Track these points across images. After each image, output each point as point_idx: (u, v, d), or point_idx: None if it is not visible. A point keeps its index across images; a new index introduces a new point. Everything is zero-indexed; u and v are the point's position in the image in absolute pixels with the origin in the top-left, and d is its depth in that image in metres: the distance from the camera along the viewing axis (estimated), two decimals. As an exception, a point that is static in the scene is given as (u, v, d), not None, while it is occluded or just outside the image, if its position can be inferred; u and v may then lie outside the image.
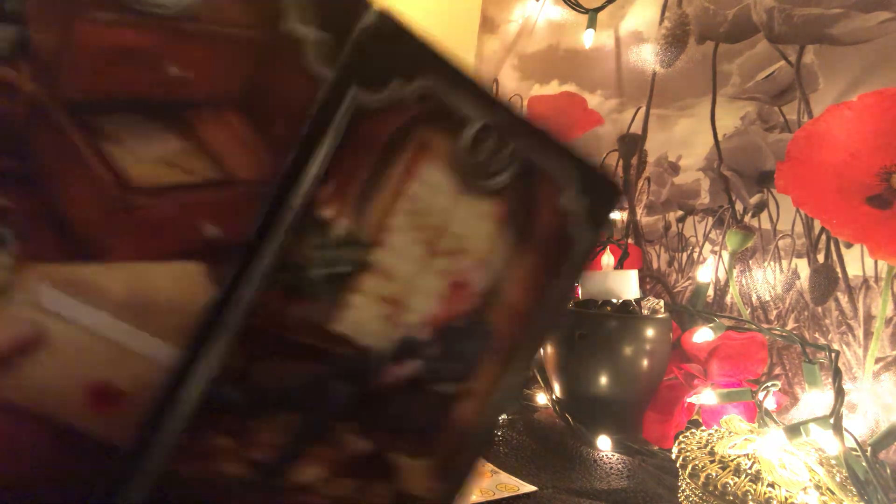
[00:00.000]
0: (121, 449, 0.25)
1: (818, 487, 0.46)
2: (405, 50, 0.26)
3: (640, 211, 0.95)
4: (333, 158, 0.25)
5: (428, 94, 0.27)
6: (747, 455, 0.49)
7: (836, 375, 0.48)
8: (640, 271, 0.85)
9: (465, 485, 0.31)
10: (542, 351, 0.30)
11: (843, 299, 0.66)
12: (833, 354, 0.51)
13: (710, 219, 0.85)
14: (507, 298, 0.30)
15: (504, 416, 0.68)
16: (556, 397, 0.70)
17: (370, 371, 0.28)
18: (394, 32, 0.26)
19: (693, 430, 0.55)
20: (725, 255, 0.74)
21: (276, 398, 0.27)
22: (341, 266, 0.27)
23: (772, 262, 0.81)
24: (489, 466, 0.57)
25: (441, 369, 0.30)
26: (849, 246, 0.65)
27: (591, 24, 1.06)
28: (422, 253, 0.28)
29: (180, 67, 0.24)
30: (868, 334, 0.62)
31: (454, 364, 0.30)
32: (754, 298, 0.80)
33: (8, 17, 0.22)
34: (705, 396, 0.61)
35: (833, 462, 0.48)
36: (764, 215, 0.81)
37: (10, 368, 0.24)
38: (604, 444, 0.63)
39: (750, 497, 0.45)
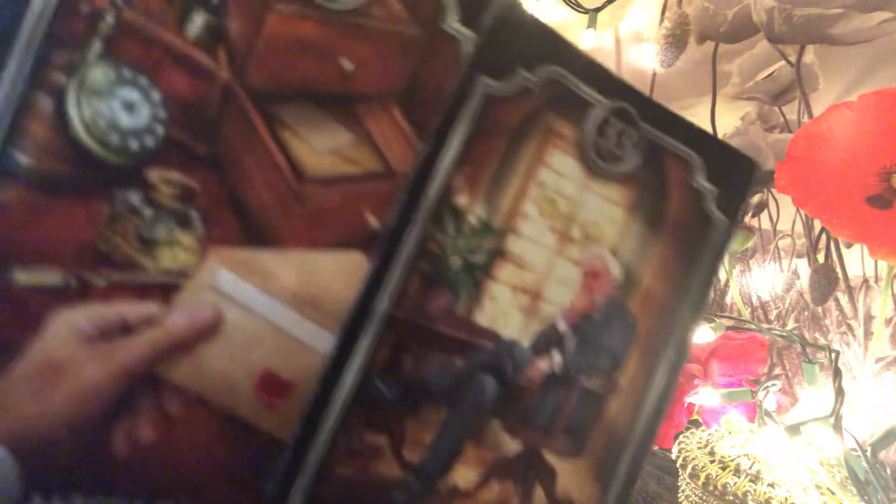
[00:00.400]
0: (284, 444, 0.25)
1: (818, 487, 0.46)
2: (528, 39, 0.26)
3: (640, 211, 0.95)
4: (465, 146, 0.26)
5: (552, 81, 0.27)
6: (747, 455, 0.49)
7: (836, 375, 0.48)
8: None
9: (625, 492, 0.29)
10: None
11: (843, 299, 0.66)
12: (833, 354, 0.51)
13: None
14: (646, 287, 0.29)
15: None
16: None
17: (516, 364, 0.28)
18: (516, 23, 0.26)
19: (693, 430, 0.55)
20: (725, 255, 0.74)
21: (425, 391, 0.27)
22: (478, 254, 0.27)
23: (772, 262, 0.81)
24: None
25: (586, 363, 0.29)
26: (849, 246, 0.65)
27: (591, 24, 1.06)
28: (554, 241, 0.28)
29: (353, 61, 0.26)
30: (868, 334, 0.62)
31: (598, 357, 0.29)
32: (754, 298, 0.80)
33: (210, 8, 0.24)
34: (705, 396, 0.61)
35: (833, 462, 0.48)
36: (764, 215, 0.81)
37: (189, 352, 0.25)
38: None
39: (750, 497, 0.45)
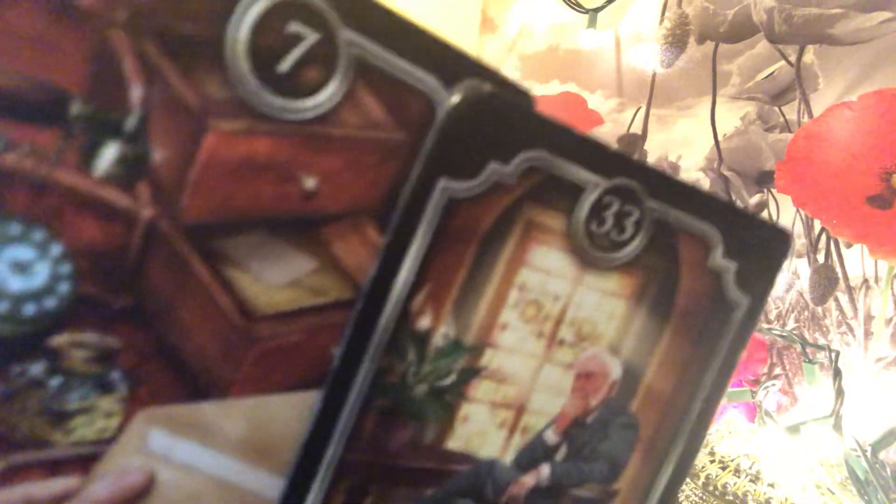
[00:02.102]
0: None
1: (818, 487, 0.46)
2: (498, 127, 0.22)
3: (640, 211, 0.96)
4: (425, 260, 0.22)
5: (533, 168, 0.22)
6: (747, 455, 0.49)
7: (836, 375, 0.48)
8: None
9: None
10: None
11: (843, 299, 0.66)
12: (833, 354, 0.51)
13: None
14: (650, 383, 0.26)
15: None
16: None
17: (497, 484, 0.25)
18: (481, 111, 0.22)
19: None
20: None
21: None
22: (447, 378, 0.23)
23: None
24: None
25: (579, 471, 0.26)
26: (849, 246, 0.65)
27: (591, 24, 1.06)
28: (541, 347, 0.25)
29: (317, 178, 0.21)
30: (868, 334, 0.62)
31: (594, 464, 0.26)
32: (754, 298, 0.80)
33: (124, 136, 0.19)
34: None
35: (833, 462, 0.48)
36: (764, 215, 0.81)
37: None
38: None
39: (750, 497, 0.45)
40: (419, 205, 0.21)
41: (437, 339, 0.23)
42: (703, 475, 0.48)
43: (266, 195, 0.21)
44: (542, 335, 0.24)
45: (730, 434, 0.53)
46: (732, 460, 0.49)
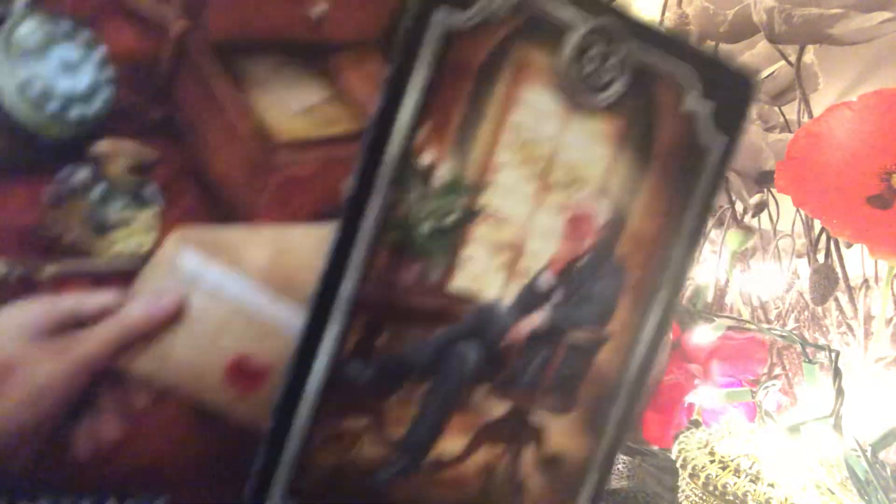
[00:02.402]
0: (260, 435, 0.23)
1: (818, 487, 0.46)
2: None
3: (640, 211, 0.95)
4: (427, 95, 0.22)
5: (521, 4, 0.23)
6: (747, 455, 0.49)
7: (836, 375, 0.48)
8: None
9: (617, 439, 0.28)
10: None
11: (843, 299, 0.66)
12: (833, 354, 0.51)
13: (710, 219, 0.85)
14: (635, 227, 0.27)
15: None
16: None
17: (499, 326, 0.26)
18: None
19: (693, 430, 0.55)
20: (725, 255, 0.74)
21: (404, 368, 0.25)
22: (450, 216, 0.24)
23: (772, 262, 0.81)
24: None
25: (574, 314, 0.27)
26: (849, 246, 0.65)
27: (591, 24, 1.06)
28: (534, 189, 0.25)
29: (325, 4, 0.22)
30: (868, 334, 0.62)
31: (587, 307, 0.27)
32: (754, 298, 0.80)
33: None
34: (705, 396, 0.61)
35: (833, 462, 0.48)
36: (764, 215, 0.81)
37: (152, 343, 0.22)
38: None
39: (750, 497, 0.45)
40: (418, 35, 0.22)
41: (440, 175, 0.24)
42: (703, 475, 0.48)
43: (280, 16, 0.22)
44: (536, 177, 0.26)
45: (730, 434, 0.53)
46: (732, 460, 0.49)
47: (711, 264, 0.83)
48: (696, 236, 0.28)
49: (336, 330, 0.23)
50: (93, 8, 0.19)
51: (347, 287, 0.23)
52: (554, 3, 0.23)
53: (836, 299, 0.66)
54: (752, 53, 0.79)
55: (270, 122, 0.22)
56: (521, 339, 0.26)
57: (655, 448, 0.65)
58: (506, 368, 0.26)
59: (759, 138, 0.78)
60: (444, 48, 0.22)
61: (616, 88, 0.25)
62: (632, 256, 0.27)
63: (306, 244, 0.23)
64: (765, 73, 0.77)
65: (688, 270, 0.28)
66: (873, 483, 0.44)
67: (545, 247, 0.26)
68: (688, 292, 0.86)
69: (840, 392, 0.47)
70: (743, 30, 0.75)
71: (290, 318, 0.24)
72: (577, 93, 0.25)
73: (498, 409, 0.26)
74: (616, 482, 0.57)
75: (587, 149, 0.26)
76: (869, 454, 0.45)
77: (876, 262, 0.66)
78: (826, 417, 0.46)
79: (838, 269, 0.62)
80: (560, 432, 0.27)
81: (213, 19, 0.21)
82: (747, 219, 0.81)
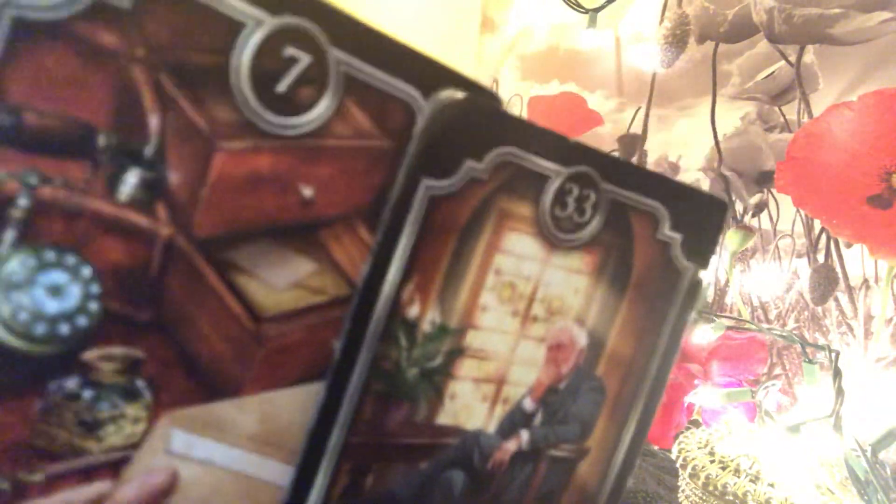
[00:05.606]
0: None
1: (818, 487, 0.46)
2: (473, 129, 0.24)
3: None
4: (412, 254, 0.24)
5: (503, 164, 0.25)
6: (747, 455, 0.49)
7: (837, 375, 0.48)
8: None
9: None
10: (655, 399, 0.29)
11: (843, 299, 0.66)
12: (833, 354, 0.51)
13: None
14: (613, 348, 0.29)
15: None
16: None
17: (483, 452, 0.27)
18: (455, 116, 0.24)
19: (693, 430, 0.55)
20: (725, 255, 0.74)
21: (394, 502, 0.26)
22: (435, 360, 0.26)
23: (772, 262, 0.81)
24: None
25: (554, 435, 0.28)
26: (849, 246, 0.65)
27: (591, 24, 1.06)
28: (516, 324, 0.27)
29: (314, 187, 0.23)
30: (868, 334, 0.62)
31: (568, 426, 0.29)
32: (754, 298, 0.80)
33: (144, 163, 0.21)
34: (705, 396, 0.61)
35: (833, 462, 0.48)
36: (764, 215, 0.81)
37: None
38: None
39: (750, 497, 0.45)
40: (405, 204, 0.24)
41: (425, 325, 0.25)
42: (702, 475, 0.48)
43: (269, 206, 0.23)
44: (517, 313, 0.27)
45: (730, 434, 0.53)
46: (732, 460, 0.49)
47: (711, 264, 0.83)
48: (671, 353, 0.29)
49: (324, 479, 0.24)
50: (79, 232, 0.20)
51: (335, 439, 0.24)
52: (533, 159, 0.25)
53: (836, 299, 0.66)
54: (752, 53, 0.79)
55: (259, 300, 0.23)
56: (505, 460, 0.28)
57: (655, 448, 0.65)
58: (490, 489, 0.28)
59: (759, 138, 0.78)
60: (429, 212, 0.24)
61: (593, 226, 0.27)
62: (610, 375, 0.29)
63: (293, 405, 0.24)
64: (765, 73, 0.77)
65: (664, 385, 0.30)
66: (873, 483, 0.44)
67: (527, 374, 0.27)
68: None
69: (840, 392, 0.47)
70: (743, 30, 0.75)
71: (281, 475, 0.25)
72: (556, 235, 0.26)
73: (484, 528, 0.27)
74: (616, 482, 0.57)
75: (567, 283, 0.27)
76: (869, 454, 0.45)
77: (876, 262, 0.66)
78: (826, 417, 0.46)
79: (838, 269, 0.62)
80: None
81: (201, 221, 0.22)
82: (747, 219, 0.81)
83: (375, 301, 0.24)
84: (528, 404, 0.28)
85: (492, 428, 0.27)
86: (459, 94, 0.24)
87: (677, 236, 0.28)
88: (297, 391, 0.24)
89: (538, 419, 0.28)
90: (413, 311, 0.25)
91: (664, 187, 0.28)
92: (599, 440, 0.29)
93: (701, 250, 0.29)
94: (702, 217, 0.29)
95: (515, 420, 0.28)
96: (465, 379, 0.26)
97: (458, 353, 0.26)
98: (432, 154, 0.24)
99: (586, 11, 1.08)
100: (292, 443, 0.24)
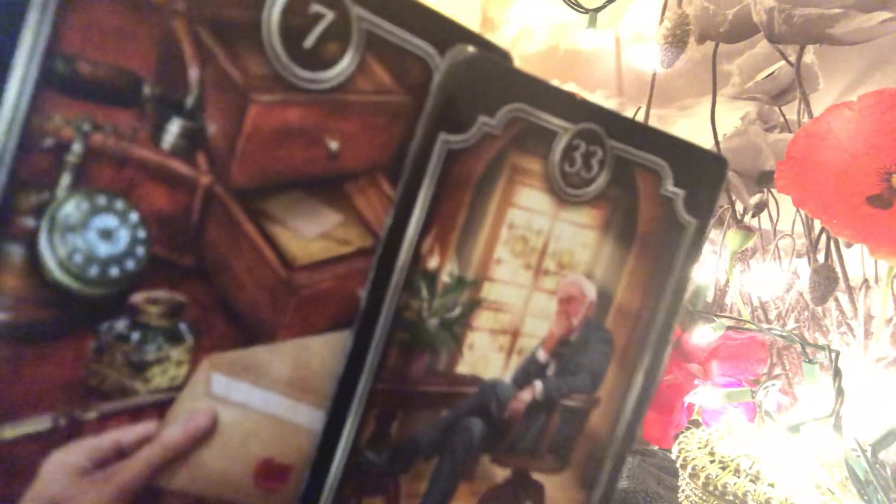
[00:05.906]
0: None
1: (818, 487, 0.46)
2: (485, 84, 0.25)
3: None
4: (431, 207, 0.25)
5: (514, 119, 0.26)
6: (747, 455, 0.49)
7: (837, 375, 0.48)
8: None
9: (609, 491, 0.31)
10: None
11: (843, 299, 0.66)
12: (833, 354, 0.51)
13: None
14: (620, 301, 0.29)
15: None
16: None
17: (500, 402, 0.28)
18: (469, 72, 0.25)
19: (693, 430, 0.55)
20: (726, 255, 0.74)
21: (415, 449, 0.27)
22: (454, 310, 0.27)
23: (772, 262, 0.81)
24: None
25: (567, 386, 0.29)
26: (849, 246, 0.65)
27: (591, 24, 1.06)
28: (529, 277, 0.28)
29: (339, 140, 0.24)
30: (868, 334, 0.62)
31: (579, 377, 0.29)
32: (754, 298, 0.80)
33: (185, 113, 0.22)
34: (705, 396, 0.61)
35: (833, 462, 0.48)
36: (764, 215, 0.81)
37: (186, 459, 0.24)
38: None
39: (750, 497, 0.45)
40: (424, 157, 0.25)
41: (445, 277, 0.26)
42: (702, 475, 0.48)
43: (298, 158, 0.24)
44: (530, 266, 0.28)
45: (730, 434, 0.53)
46: (732, 460, 0.49)
47: (711, 264, 0.84)
48: (676, 303, 0.30)
49: (353, 424, 0.25)
50: (127, 179, 0.21)
51: (363, 385, 0.25)
52: (542, 115, 0.26)
53: (836, 299, 0.66)
54: (752, 53, 0.79)
55: (290, 249, 0.24)
56: (521, 410, 0.28)
57: (655, 448, 0.65)
58: (507, 437, 0.29)
59: (759, 138, 0.78)
60: (446, 166, 0.25)
61: (600, 182, 0.28)
62: (618, 327, 0.30)
63: (324, 352, 0.25)
64: (765, 73, 0.77)
65: (670, 336, 0.30)
66: (873, 483, 0.44)
67: (540, 326, 0.28)
68: (687, 292, 0.86)
69: (840, 392, 0.47)
70: (743, 30, 0.75)
71: (312, 419, 0.26)
72: (565, 189, 0.27)
73: (499, 475, 0.29)
74: (616, 482, 0.57)
75: (576, 237, 0.28)
76: (869, 454, 0.45)
77: (876, 262, 0.66)
78: (826, 417, 0.46)
79: (838, 269, 0.62)
80: (556, 489, 0.30)
81: (237, 170, 0.23)
82: (747, 219, 0.81)
83: (398, 252, 0.25)
84: (542, 355, 0.29)
85: (508, 378, 0.28)
86: (472, 49, 0.25)
87: (680, 192, 0.29)
88: (328, 338, 0.25)
89: (551, 370, 0.29)
90: (433, 262, 0.26)
91: (667, 145, 0.29)
92: (609, 390, 0.30)
93: (702, 206, 0.30)
94: (703, 174, 0.30)
95: (530, 370, 0.29)
96: (483, 330, 0.27)
97: (475, 304, 0.27)
98: (449, 109, 0.25)
99: (586, 11, 1.08)
100: (323, 388, 0.25)
